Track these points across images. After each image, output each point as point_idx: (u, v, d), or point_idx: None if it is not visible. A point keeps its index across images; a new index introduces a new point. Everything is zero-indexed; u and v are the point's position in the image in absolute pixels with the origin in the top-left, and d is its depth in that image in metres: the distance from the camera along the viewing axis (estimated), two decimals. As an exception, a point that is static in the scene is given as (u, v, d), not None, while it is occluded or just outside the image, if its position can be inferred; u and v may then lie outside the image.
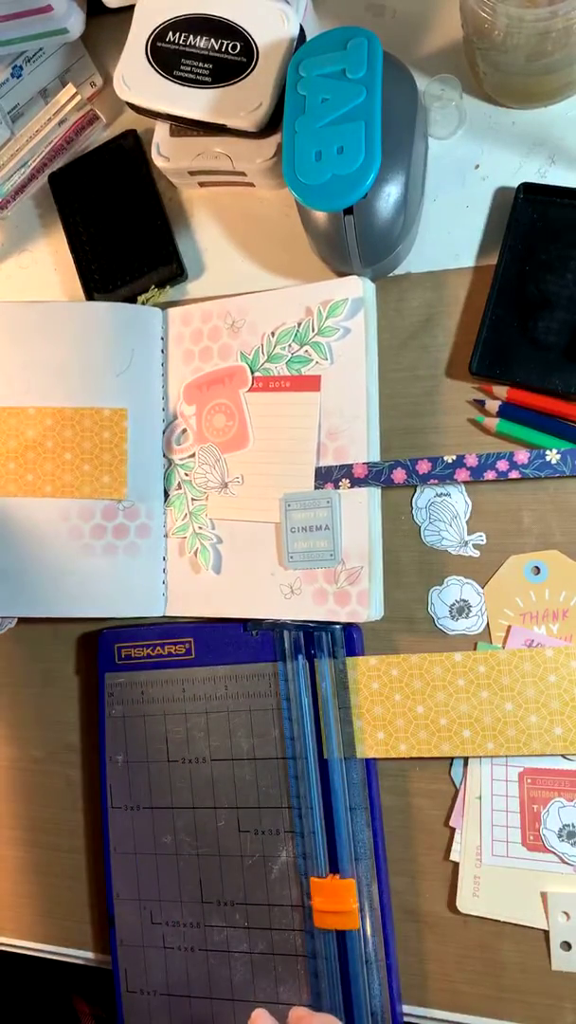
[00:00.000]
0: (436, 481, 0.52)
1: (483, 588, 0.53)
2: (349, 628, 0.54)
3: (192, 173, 0.59)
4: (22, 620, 0.62)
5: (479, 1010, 0.52)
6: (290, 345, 0.55)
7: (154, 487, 0.58)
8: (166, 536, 0.59)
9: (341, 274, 0.55)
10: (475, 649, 0.52)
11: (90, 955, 0.61)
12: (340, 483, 0.53)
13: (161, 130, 0.59)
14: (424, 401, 0.55)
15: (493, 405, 0.52)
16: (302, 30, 0.54)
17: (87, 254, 0.62)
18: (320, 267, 0.57)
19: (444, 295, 0.55)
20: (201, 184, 0.61)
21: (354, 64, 0.48)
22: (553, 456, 0.50)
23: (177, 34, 0.55)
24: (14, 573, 0.56)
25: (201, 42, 0.54)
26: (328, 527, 0.53)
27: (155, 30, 0.55)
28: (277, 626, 0.55)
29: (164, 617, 0.59)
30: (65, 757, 0.62)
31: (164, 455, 0.59)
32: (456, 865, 0.52)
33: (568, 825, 0.50)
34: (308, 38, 0.54)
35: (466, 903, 0.51)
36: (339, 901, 0.52)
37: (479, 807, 0.51)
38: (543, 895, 0.50)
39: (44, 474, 0.57)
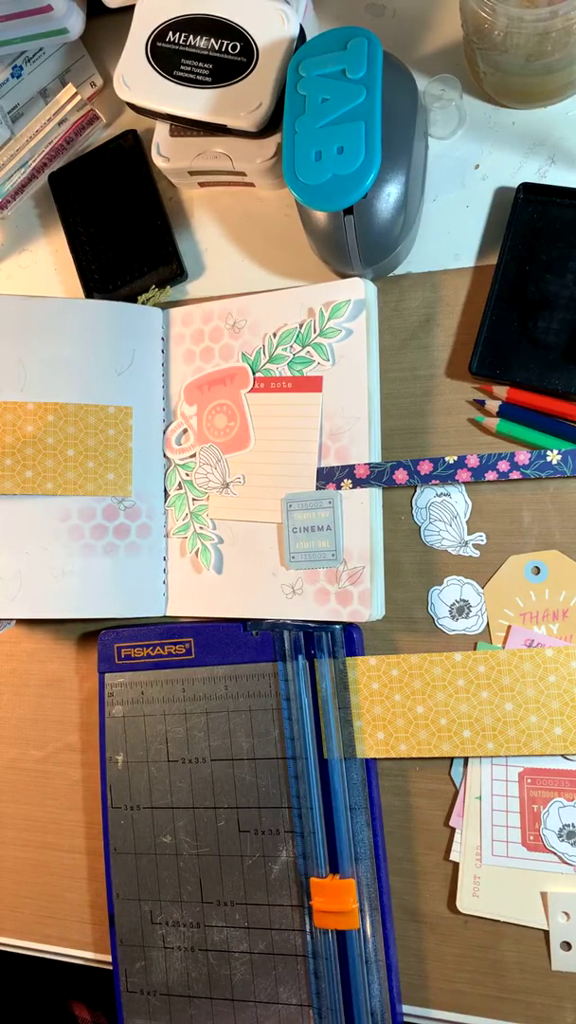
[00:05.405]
0: (438, 482, 0.52)
1: (483, 588, 0.53)
2: (349, 628, 0.54)
3: (192, 173, 0.59)
4: (22, 620, 0.62)
5: (479, 1010, 0.52)
6: (292, 346, 0.55)
7: (155, 487, 0.58)
8: (167, 536, 0.58)
9: (341, 274, 0.55)
10: (475, 649, 0.52)
11: (90, 955, 0.61)
12: (342, 484, 0.53)
13: (161, 130, 0.59)
14: (424, 401, 0.55)
15: (493, 405, 0.52)
16: (302, 30, 0.54)
17: (87, 254, 0.62)
18: (320, 267, 0.57)
19: (444, 295, 0.55)
20: (201, 184, 0.61)
21: (354, 64, 0.48)
22: (554, 456, 0.50)
23: (177, 34, 0.55)
24: (13, 573, 0.56)
25: (201, 42, 0.54)
26: (330, 527, 0.53)
27: (155, 30, 0.55)
28: (277, 626, 0.55)
29: (164, 617, 0.59)
30: (65, 757, 0.62)
31: (164, 455, 0.59)
32: (456, 865, 0.52)
33: (568, 825, 0.50)
34: (308, 38, 0.54)
35: (466, 903, 0.51)
36: (339, 901, 0.51)
37: (479, 807, 0.51)
38: (543, 895, 0.50)
39: (44, 471, 0.56)
